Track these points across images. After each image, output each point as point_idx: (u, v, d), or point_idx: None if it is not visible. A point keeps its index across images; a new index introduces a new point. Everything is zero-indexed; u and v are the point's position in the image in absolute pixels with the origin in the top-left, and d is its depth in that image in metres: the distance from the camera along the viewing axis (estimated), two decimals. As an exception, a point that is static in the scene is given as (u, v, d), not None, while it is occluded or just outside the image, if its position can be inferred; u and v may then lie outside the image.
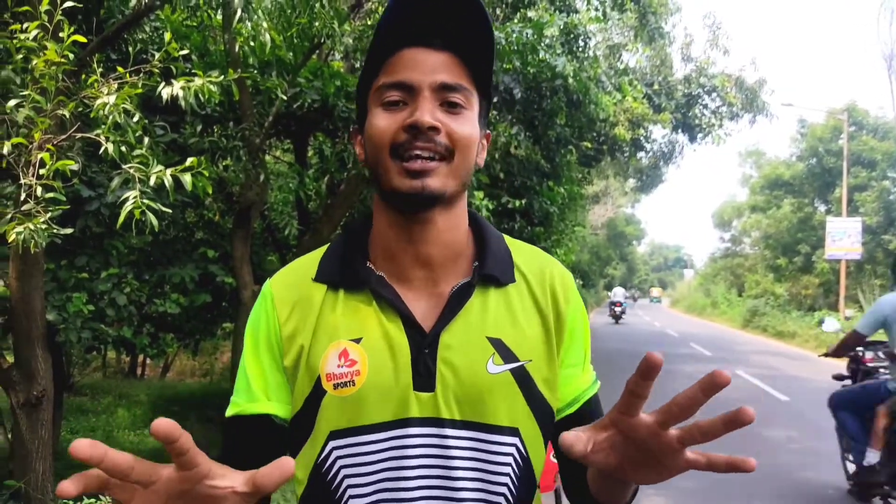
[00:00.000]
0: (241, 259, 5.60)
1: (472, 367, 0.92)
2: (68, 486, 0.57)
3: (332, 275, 0.98)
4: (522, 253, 1.03)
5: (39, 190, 2.68)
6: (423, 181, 0.88)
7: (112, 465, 0.58)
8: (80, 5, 3.24)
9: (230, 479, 0.65)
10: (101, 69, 3.08)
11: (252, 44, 5.09)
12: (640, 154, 19.67)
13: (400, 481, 0.90)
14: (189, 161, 2.77)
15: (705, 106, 18.04)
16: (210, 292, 5.42)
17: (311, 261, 1.02)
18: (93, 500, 3.47)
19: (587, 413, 1.00)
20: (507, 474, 0.93)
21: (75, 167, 2.78)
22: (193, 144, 5.00)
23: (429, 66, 0.90)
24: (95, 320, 4.40)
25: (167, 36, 3.04)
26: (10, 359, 4.13)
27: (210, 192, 2.91)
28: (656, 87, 16.96)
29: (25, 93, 2.84)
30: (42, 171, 2.68)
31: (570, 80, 8.71)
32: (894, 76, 29.69)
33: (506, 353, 0.93)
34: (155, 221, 2.62)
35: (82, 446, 0.56)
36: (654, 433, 0.68)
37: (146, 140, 3.05)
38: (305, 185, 6.00)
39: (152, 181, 2.70)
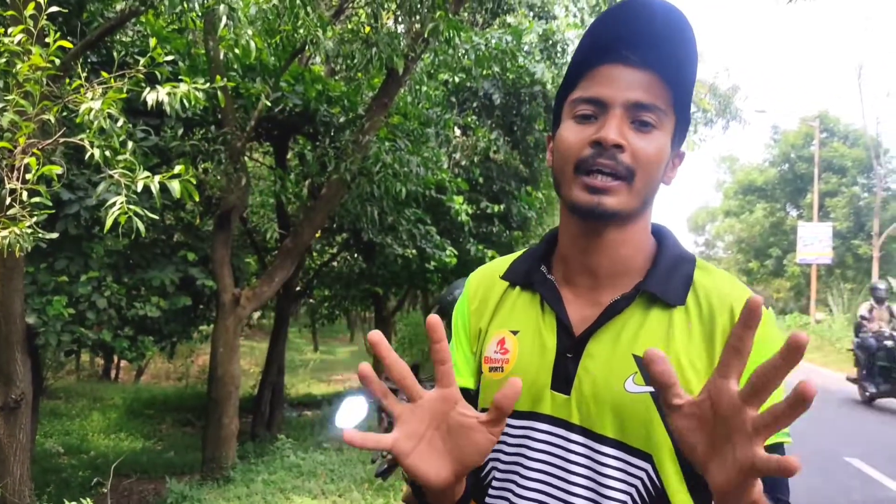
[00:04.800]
0: (222, 262, 5.60)
1: (609, 380, 0.91)
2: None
3: (514, 274, 1.07)
4: (714, 280, 0.96)
5: (25, 194, 2.69)
6: (599, 198, 0.89)
7: (393, 362, 0.74)
8: (65, 10, 3.25)
9: (474, 412, 0.77)
10: (84, 73, 3.08)
11: (236, 50, 5.10)
12: (617, 159, 19.81)
13: (521, 468, 0.95)
14: (178, 168, 2.79)
15: (680, 112, 18.25)
16: (190, 295, 5.41)
17: (507, 260, 1.12)
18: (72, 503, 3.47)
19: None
20: (629, 498, 0.89)
21: (60, 172, 2.79)
22: (174, 148, 5.00)
23: (624, 83, 0.91)
24: (75, 323, 4.38)
25: (152, 41, 3.06)
26: (-11, 362, 4.10)
27: (197, 198, 2.93)
28: (633, 93, 17.13)
29: (9, 97, 2.84)
30: (28, 176, 2.68)
31: (549, 87, 8.81)
32: (864, 85, 30.30)
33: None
34: (142, 227, 2.64)
35: (375, 334, 0.73)
36: (737, 408, 0.65)
37: (130, 144, 3.06)
38: (286, 188, 6.02)
39: (139, 187, 2.71)
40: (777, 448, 0.88)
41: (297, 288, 8.93)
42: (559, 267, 1.02)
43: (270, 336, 8.92)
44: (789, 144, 29.82)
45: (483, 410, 0.95)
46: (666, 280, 0.95)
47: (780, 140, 30.52)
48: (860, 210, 26.50)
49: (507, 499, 0.96)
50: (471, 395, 1.07)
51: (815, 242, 23.76)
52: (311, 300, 12.42)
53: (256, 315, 14.62)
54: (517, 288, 1.05)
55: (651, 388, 0.88)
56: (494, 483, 0.99)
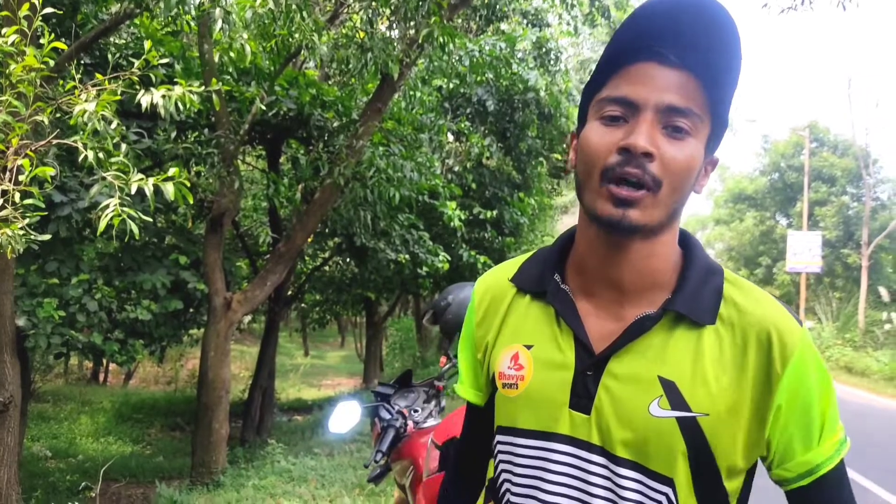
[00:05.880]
0: (213, 265, 5.58)
1: (633, 402, 0.87)
2: None
3: (523, 280, 1.01)
4: (747, 297, 0.90)
5: (17, 196, 2.67)
6: (624, 211, 0.83)
7: None
8: (60, 12, 3.24)
9: None
10: (78, 75, 3.07)
11: (231, 53, 5.10)
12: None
13: (540, 492, 0.92)
14: (172, 171, 2.78)
15: (672, 120, 18.37)
16: (181, 298, 5.39)
17: (516, 262, 1.06)
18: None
19: (826, 484, 0.88)
20: None
21: (53, 173, 2.77)
22: (168, 150, 4.99)
23: (659, 83, 0.83)
24: (65, 326, 4.35)
25: (147, 44, 3.05)
26: (-22, 365, 4.07)
27: (191, 201, 2.92)
28: (625, 100, 17.21)
29: (3, 98, 2.82)
30: (21, 178, 2.67)
31: (542, 94, 8.85)
32: (853, 96, 30.54)
33: (676, 399, 0.85)
34: (136, 230, 2.63)
35: None
36: None
37: (123, 147, 3.05)
38: (279, 192, 6.01)
39: (133, 189, 2.70)
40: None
41: (289, 292, 8.91)
42: (575, 275, 0.96)
43: (261, 340, 8.88)
44: (779, 154, 30.00)
45: (499, 428, 0.98)
46: (694, 297, 0.89)
47: (771, 149, 30.70)
48: (849, 219, 26.67)
49: None
50: (474, 409, 1.09)
51: (804, 251, 23.88)
52: (302, 304, 12.38)
53: (247, 319, 14.58)
54: (528, 296, 1.00)
55: (677, 413, 0.85)
56: (513, 502, 0.96)
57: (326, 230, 7.70)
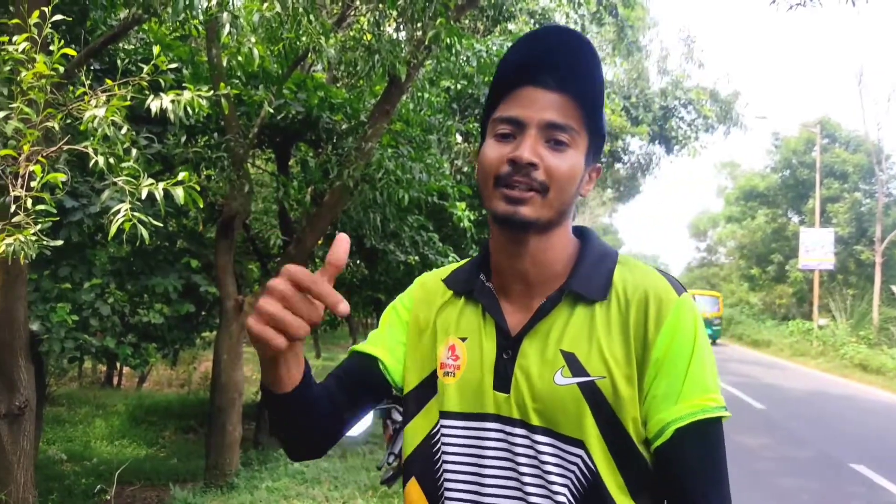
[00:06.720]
0: (225, 269, 5.60)
1: (542, 376, 1.00)
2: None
3: (455, 282, 1.16)
4: (633, 273, 1.04)
5: (29, 202, 2.69)
6: (516, 208, 0.97)
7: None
8: (69, 18, 3.27)
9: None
10: (88, 81, 3.10)
11: (239, 57, 5.12)
12: (618, 165, 19.91)
13: (480, 468, 1.03)
14: (182, 175, 2.79)
15: (681, 118, 18.33)
16: (193, 301, 5.41)
17: (451, 266, 1.21)
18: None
19: (680, 445, 0.95)
20: (569, 481, 0.97)
21: (64, 179, 2.79)
22: (178, 155, 5.02)
23: (540, 104, 0.98)
24: (78, 330, 4.38)
25: (156, 49, 3.07)
26: (-8, 369, 4.10)
27: (201, 205, 2.94)
28: (634, 99, 17.20)
29: (14, 105, 2.85)
30: (32, 184, 2.69)
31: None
32: (864, 91, 30.28)
33: (576, 368, 0.98)
34: (146, 234, 2.64)
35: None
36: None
37: (134, 152, 3.07)
38: (289, 195, 6.03)
39: (144, 194, 2.72)
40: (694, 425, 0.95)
41: (300, 295, 8.91)
42: (494, 275, 1.10)
43: (273, 343, 8.88)
44: (790, 150, 29.83)
45: (442, 413, 1.08)
46: (588, 278, 1.03)
47: (782, 146, 30.52)
48: (862, 216, 26.48)
49: (474, 501, 1.02)
50: (378, 368, 1.15)
51: (817, 248, 23.75)
52: (313, 307, 12.40)
53: (259, 322, 14.60)
54: (463, 297, 1.13)
55: (578, 379, 0.97)
56: (454, 484, 1.05)
57: (336, 232, 7.70)
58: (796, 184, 29.97)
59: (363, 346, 1.18)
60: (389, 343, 1.17)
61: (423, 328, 1.15)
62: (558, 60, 0.98)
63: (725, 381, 13.31)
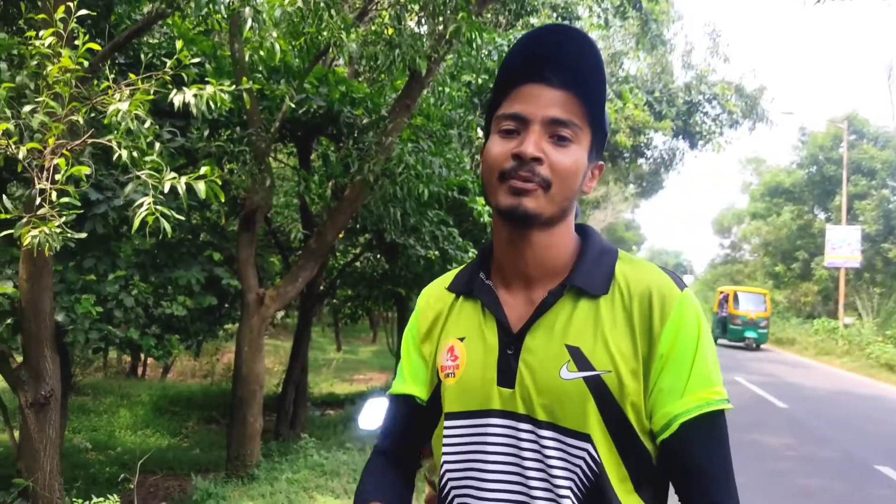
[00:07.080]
0: (246, 262, 5.65)
1: (546, 370, 1.00)
2: None
3: (457, 285, 1.17)
4: (635, 269, 1.05)
5: (54, 194, 2.74)
6: (520, 199, 0.98)
7: None
8: (94, 13, 3.31)
9: None
10: (112, 75, 3.13)
11: (261, 52, 5.15)
12: (641, 160, 19.73)
13: (481, 464, 1.04)
14: (204, 169, 2.82)
15: (706, 113, 18.11)
16: (215, 294, 5.46)
17: (453, 273, 1.22)
18: (101, 499, 3.53)
19: (686, 438, 0.97)
20: (573, 476, 0.98)
21: (88, 172, 2.83)
22: (200, 149, 5.06)
23: (543, 101, 1.00)
24: (103, 321, 4.44)
25: (179, 44, 3.09)
26: (19, 359, 4.18)
27: (223, 198, 2.96)
28: (657, 94, 17.02)
29: (40, 98, 2.89)
30: (57, 177, 2.73)
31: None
32: (894, 86, 29.72)
33: (581, 362, 0.99)
34: (168, 228, 2.67)
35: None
36: None
37: (157, 145, 3.10)
38: (310, 189, 6.06)
39: (167, 187, 2.75)
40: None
41: (321, 288, 8.98)
42: (495, 272, 1.11)
43: (294, 335, 8.98)
44: (817, 146, 29.38)
45: (446, 414, 1.09)
46: (590, 273, 1.04)
47: (808, 142, 30.08)
48: (890, 213, 26.03)
49: (470, 494, 1.04)
50: (416, 402, 1.16)
51: (843, 246, 23.37)
52: (334, 300, 12.47)
53: (280, 314, 14.73)
54: (461, 298, 1.14)
55: (584, 374, 0.98)
56: (456, 482, 1.06)
57: (357, 226, 7.74)
58: (823, 180, 29.51)
59: (395, 388, 1.20)
60: (414, 371, 1.18)
61: (431, 339, 1.16)
62: (561, 57, 0.99)
63: (748, 380, 13.18)
